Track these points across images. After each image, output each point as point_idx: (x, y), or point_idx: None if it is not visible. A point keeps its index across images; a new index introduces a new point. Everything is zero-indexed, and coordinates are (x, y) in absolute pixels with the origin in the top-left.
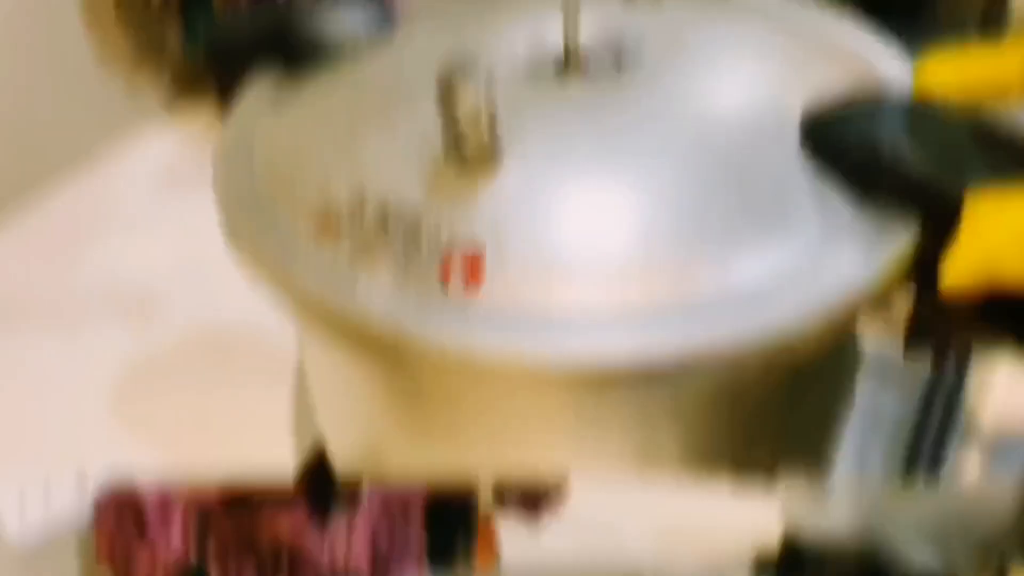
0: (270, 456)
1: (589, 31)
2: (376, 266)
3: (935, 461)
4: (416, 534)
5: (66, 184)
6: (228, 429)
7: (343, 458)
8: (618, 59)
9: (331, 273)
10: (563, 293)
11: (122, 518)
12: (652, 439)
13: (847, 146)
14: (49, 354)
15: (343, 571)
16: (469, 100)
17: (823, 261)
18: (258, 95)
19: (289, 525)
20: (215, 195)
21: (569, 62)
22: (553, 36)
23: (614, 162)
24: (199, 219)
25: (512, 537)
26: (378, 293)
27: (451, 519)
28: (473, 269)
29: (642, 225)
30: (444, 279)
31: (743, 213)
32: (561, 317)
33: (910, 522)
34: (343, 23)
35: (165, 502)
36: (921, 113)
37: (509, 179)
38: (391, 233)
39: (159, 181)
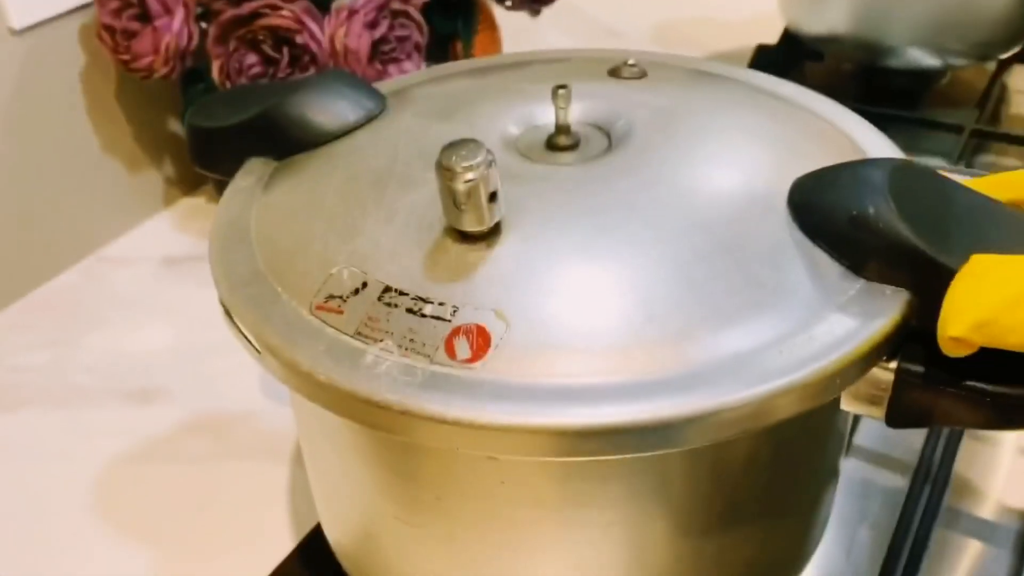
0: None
1: (578, 109)
2: (380, 342)
3: (925, 536)
4: (416, 22)
5: (67, 269)
6: (225, 510)
7: (338, 540)
8: (608, 136)
9: (335, 349)
10: (565, 364)
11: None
12: (640, 517)
13: (832, 214)
14: (46, 437)
15: (342, 58)
16: (469, 175)
17: (816, 329)
18: (251, 176)
19: (289, 15)
20: (212, 271)
21: (560, 141)
22: (543, 116)
23: (610, 237)
24: (198, 305)
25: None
26: (383, 367)
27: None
28: (478, 343)
29: (640, 297)
30: (449, 353)
31: (737, 283)
32: (563, 387)
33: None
34: (331, 106)
35: None
36: (906, 177)
37: (509, 255)
38: (394, 310)
39: (159, 267)
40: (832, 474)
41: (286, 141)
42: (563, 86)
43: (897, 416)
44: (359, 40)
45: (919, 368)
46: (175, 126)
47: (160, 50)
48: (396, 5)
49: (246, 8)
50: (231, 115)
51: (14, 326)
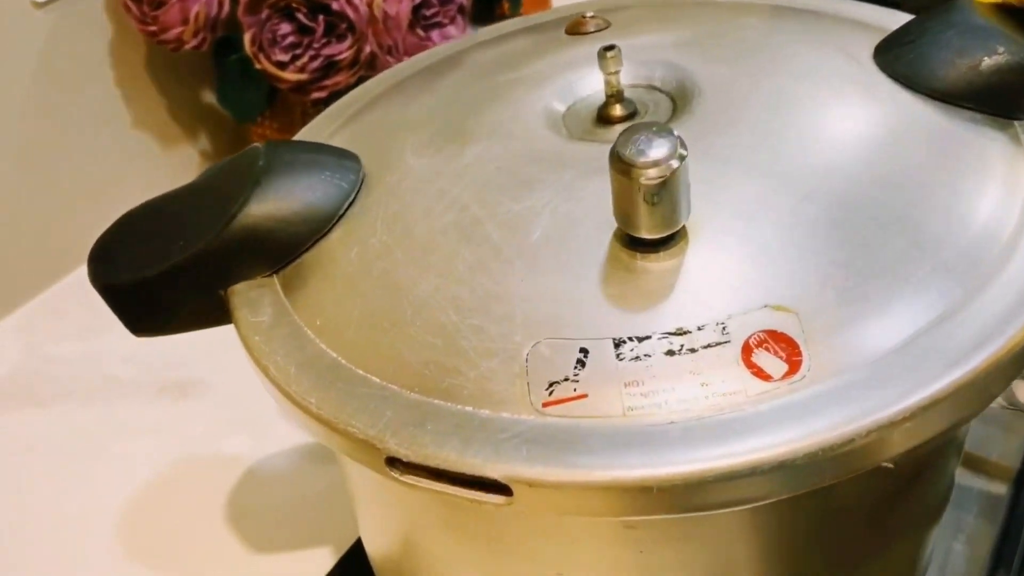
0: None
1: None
2: (666, 404)
3: None
4: None
5: None
6: (263, 517)
7: (378, 555)
8: (669, 96)
9: (633, 441)
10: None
11: None
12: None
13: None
14: (78, 434)
15: (381, 25)
16: (659, 170)
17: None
18: (260, 306)
19: None
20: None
21: (615, 111)
22: (586, 85)
23: (762, 213)
24: None
25: None
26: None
27: None
28: (785, 349)
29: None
30: (762, 376)
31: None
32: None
33: None
34: (313, 179)
35: None
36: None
37: (698, 256)
38: (648, 360)
39: None
40: (951, 488)
41: (277, 250)
42: (611, 47)
43: None
44: (399, 5)
45: None
46: (209, 97)
47: (189, 20)
48: None
49: None
50: (165, 250)
51: (47, 313)
